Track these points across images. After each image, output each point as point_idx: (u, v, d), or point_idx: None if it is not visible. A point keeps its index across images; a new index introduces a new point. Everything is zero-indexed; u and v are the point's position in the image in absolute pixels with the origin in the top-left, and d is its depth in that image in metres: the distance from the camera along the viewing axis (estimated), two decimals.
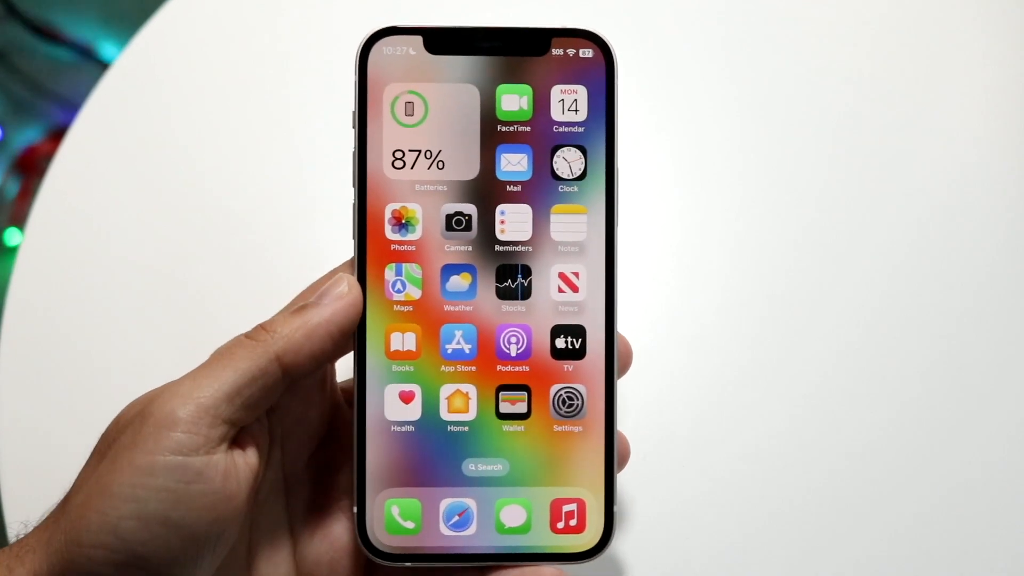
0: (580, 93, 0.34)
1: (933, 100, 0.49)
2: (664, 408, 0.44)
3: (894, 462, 0.43)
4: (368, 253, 0.34)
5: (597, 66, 0.34)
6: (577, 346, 0.34)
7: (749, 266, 0.46)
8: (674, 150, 0.48)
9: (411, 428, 0.34)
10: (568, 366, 0.34)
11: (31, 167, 1.00)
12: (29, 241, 0.48)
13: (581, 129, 0.34)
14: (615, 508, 0.35)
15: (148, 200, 0.48)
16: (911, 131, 0.48)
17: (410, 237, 0.34)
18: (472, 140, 0.34)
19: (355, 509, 0.34)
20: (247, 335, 0.32)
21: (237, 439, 0.32)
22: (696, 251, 0.46)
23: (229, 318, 0.47)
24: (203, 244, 0.48)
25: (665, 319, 0.45)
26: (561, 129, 0.34)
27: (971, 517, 0.43)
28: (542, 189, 0.34)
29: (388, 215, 0.34)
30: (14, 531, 0.37)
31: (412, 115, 0.34)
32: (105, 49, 1.01)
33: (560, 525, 0.34)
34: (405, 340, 0.34)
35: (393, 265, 0.34)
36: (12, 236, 0.98)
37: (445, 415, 0.34)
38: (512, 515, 0.34)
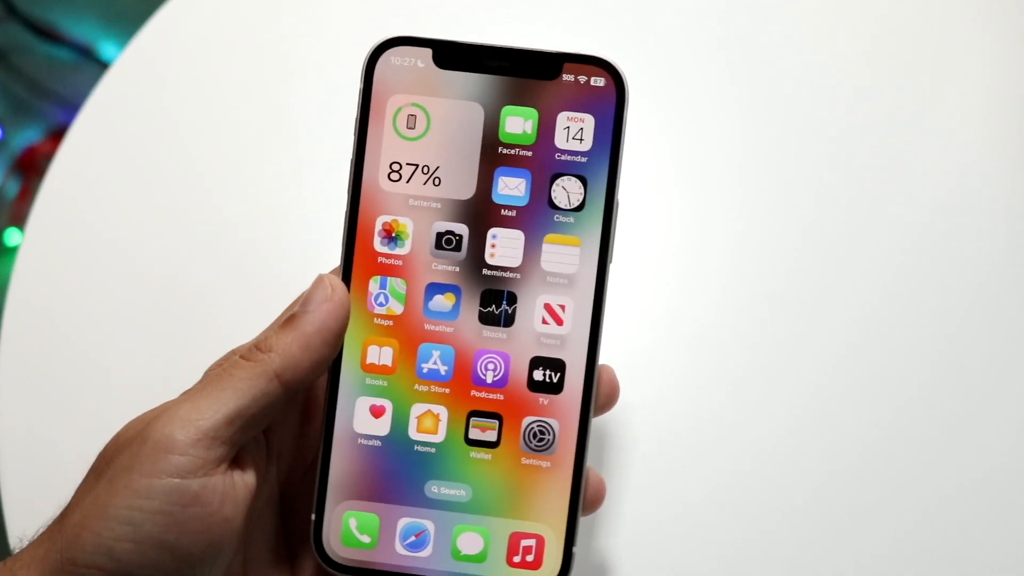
0: (587, 122, 0.33)
1: (933, 100, 0.49)
2: (664, 408, 0.44)
3: (895, 462, 0.43)
4: (354, 263, 0.33)
5: (608, 96, 0.33)
6: (555, 380, 0.34)
7: (749, 266, 0.46)
8: (674, 150, 0.48)
9: (378, 443, 0.34)
10: (544, 399, 0.34)
11: (31, 167, 1.00)
12: (29, 241, 0.48)
13: (584, 159, 0.33)
14: (574, 549, 0.34)
15: (148, 200, 0.48)
16: (911, 131, 0.48)
17: (398, 251, 0.33)
18: (471, 159, 0.33)
19: (313, 516, 0.34)
20: (243, 356, 0.31)
21: (235, 459, 0.31)
22: (696, 251, 0.46)
23: (229, 318, 0.47)
24: (203, 244, 0.48)
25: (665, 319, 0.45)
26: (564, 157, 0.33)
27: (972, 517, 0.43)
28: (537, 216, 0.33)
29: (378, 227, 0.33)
30: (14, 543, 0.37)
31: (414, 128, 0.33)
32: (105, 49, 1.01)
33: (516, 559, 0.34)
34: (382, 354, 0.33)
35: (378, 278, 0.33)
36: (12, 236, 0.98)
37: (413, 434, 0.34)
38: (469, 542, 0.34)
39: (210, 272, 0.47)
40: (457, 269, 0.33)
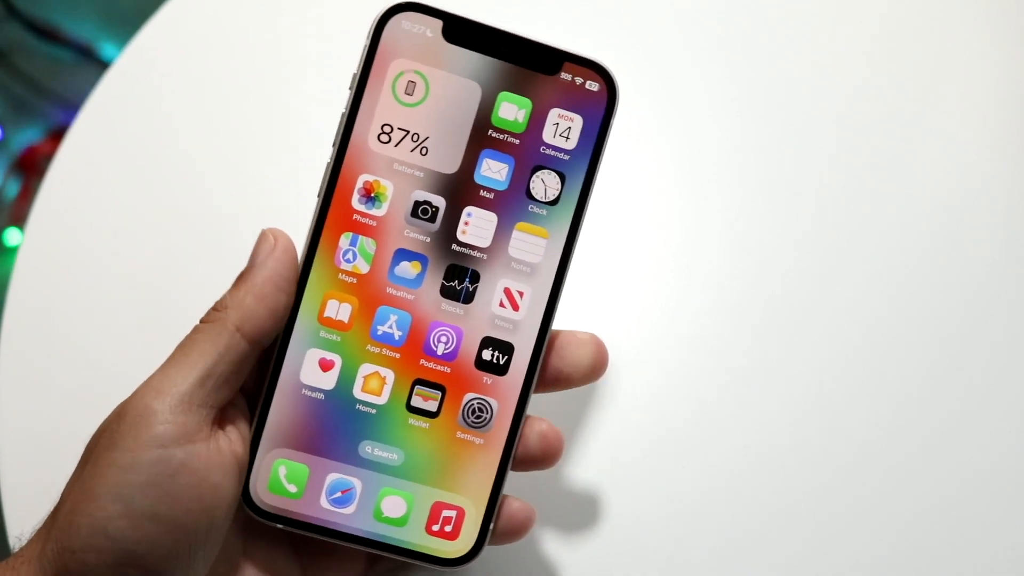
0: (576, 122, 0.34)
1: (933, 100, 0.49)
2: (663, 407, 0.44)
3: (893, 462, 0.43)
4: (329, 215, 0.34)
5: (599, 100, 0.34)
6: (501, 362, 0.35)
7: (749, 266, 0.46)
8: (674, 150, 0.48)
9: (321, 396, 0.34)
10: (488, 379, 0.35)
11: (31, 167, 1.00)
12: (29, 241, 0.48)
13: (567, 157, 0.34)
14: (492, 525, 0.35)
15: (148, 200, 0.48)
16: (911, 131, 0.48)
17: (374, 212, 0.34)
18: (461, 136, 0.34)
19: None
20: (202, 320, 0.32)
21: (219, 423, 0.32)
22: (696, 251, 0.46)
23: None
24: (202, 244, 0.48)
25: (665, 318, 0.45)
26: (548, 151, 0.34)
27: (971, 517, 0.43)
28: (513, 203, 0.34)
29: (359, 184, 0.34)
30: (13, 543, 0.38)
31: (411, 95, 0.34)
32: (105, 49, 1.01)
33: (435, 527, 0.35)
34: (340, 310, 0.34)
35: (350, 234, 0.34)
36: (12, 236, 0.98)
37: (358, 393, 0.34)
38: (393, 505, 0.34)
39: (210, 272, 0.47)
40: (428, 239, 0.34)
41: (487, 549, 0.35)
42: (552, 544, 0.42)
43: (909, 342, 0.45)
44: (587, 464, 0.43)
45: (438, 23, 0.34)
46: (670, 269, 0.46)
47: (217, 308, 0.32)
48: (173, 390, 0.30)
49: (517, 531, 0.35)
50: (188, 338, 0.32)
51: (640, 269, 0.46)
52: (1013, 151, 0.48)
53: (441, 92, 0.34)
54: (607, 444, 0.43)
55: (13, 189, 1.00)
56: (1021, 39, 0.50)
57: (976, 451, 0.44)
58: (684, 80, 0.49)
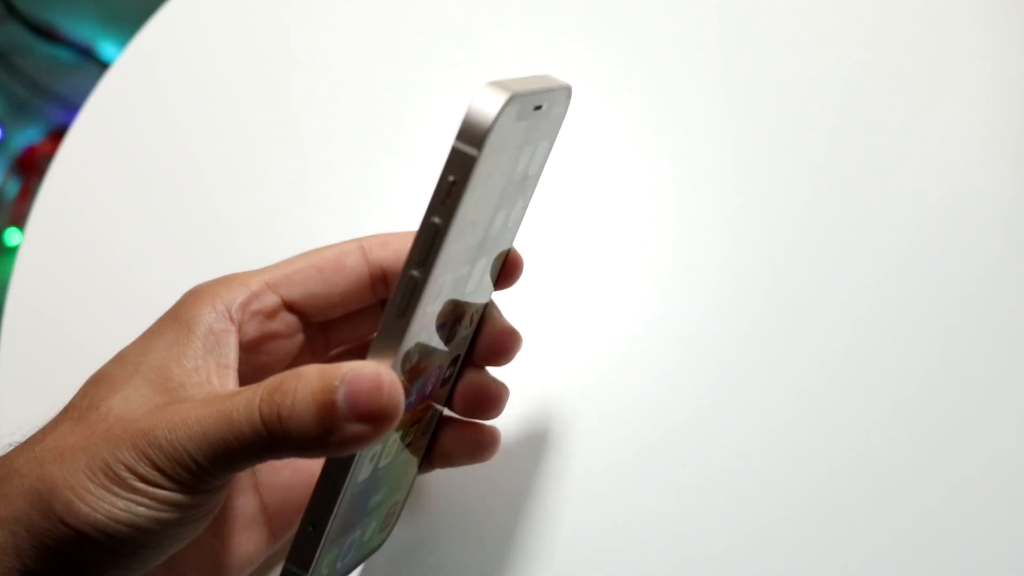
0: (540, 148, 0.32)
1: (932, 100, 0.49)
2: (662, 406, 0.44)
3: (892, 461, 0.43)
4: (412, 325, 0.29)
5: (558, 122, 0.32)
6: (451, 376, 0.35)
7: (747, 265, 0.46)
8: (671, 150, 0.48)
9: (363, 485, 0.31)
10: (442, 392, 0.34)
11: (31, 167, 1.00)
12: (29, 241, 0.48)
13: (525, 183, 0.33)
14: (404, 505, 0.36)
15: (148, 200, 0.48)
16: (910, 130, 0.48)
17: (437, 305, 0.31)
18: (496, 201, 0.31)
19: (303, 572, 0.30)
20: (263, 413, 0.28)
21: None
22: (693, 250, 0.46)
23: None
24: (202, 244, 0.48)
25: (664, 317, 0.45)
26: (521, 183, 0.32)
27: (970, 517, 0.43)
28: (493, 243, 0.33)
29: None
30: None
31: (485, 185, 0.29)
32: (105, 49, 1.01)
33: (385, 528, 0.35)
34: None
35: (422, 331, 0.31)
36: (12, 236, 0.99)
37: (381, 461, 0.32)
38: (371, 531, 0.34)
39: (210, 272, 0.47)
40: (455, 304, 0.32)
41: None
42: (552, 544, 0.42)
43: (908, 341, 0.45)
44: (586, 464, 0.43)
45: (516, 107, 0.28)
46: (668, 268, 0.46)
47: (283, 418, 0.27)
48: (201, 465, 0.28)
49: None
50: (241, 416, 0.28)
51: (638, 268, 0.46)
52: (1013, 151, 0.48)
53: (500, 171, 0.29)
54: (606, 444, 0.43)
55: (13, 189, 1.00)
56: (1021, 39, 0.50)
57: (976, 450, 0.44)
58: (681, 79, 0.49)
